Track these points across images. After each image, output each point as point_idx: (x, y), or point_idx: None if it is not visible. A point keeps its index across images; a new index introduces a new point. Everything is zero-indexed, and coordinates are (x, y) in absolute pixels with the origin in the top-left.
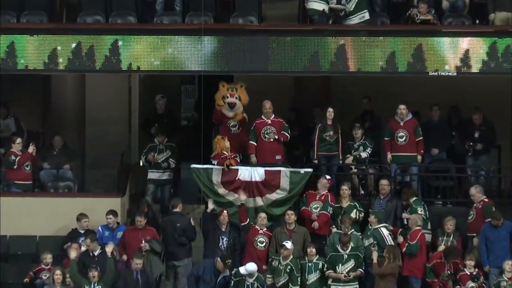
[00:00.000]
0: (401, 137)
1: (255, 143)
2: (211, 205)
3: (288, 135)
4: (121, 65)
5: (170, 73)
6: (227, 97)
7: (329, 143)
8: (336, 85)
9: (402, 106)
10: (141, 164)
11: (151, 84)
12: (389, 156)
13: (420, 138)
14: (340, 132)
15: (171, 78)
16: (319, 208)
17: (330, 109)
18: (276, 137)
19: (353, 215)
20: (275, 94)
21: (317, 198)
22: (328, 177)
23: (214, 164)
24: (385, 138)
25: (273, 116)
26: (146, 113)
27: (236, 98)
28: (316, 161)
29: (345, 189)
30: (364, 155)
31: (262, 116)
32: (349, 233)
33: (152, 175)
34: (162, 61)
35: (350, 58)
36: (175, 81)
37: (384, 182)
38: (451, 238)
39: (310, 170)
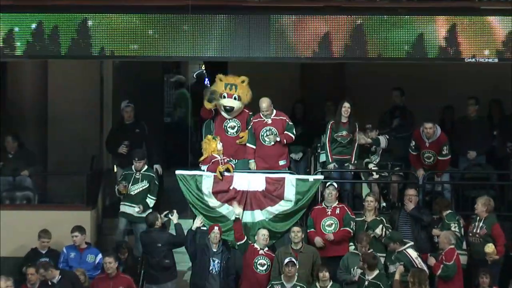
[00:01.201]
0: (429, 157)
1: (253, 146)
2: (198, 222)
3: (293, 136)
4: (92, 50)
5: (151, 59)
6: (224, 96)
7: (341, 145)
8: (351, 75)
9: (428, 125)
10: (118, 178)
11: (128, 73)
12: (421, 172)
13: (446, 158)
14: (357, 131)
15: (152, 66)
16: (334, 225)
17: (346, 104)
18: (278, 139)
19: (378, 231)
20: (278, 86)
21: (329, 213)
22: (335, 184)
23: (203, 170)
24: (412, 153)
25: (274, 113)
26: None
27: (235, 99)
28: (332, 165)
29: (370, 200)
30: (382, 142)
31: (261, 114)
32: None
33: (125, 208)
34: (141, 45)
35: (368, 42)
36: (156, 69)
37: (411, 191)
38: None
39: (320, 177)
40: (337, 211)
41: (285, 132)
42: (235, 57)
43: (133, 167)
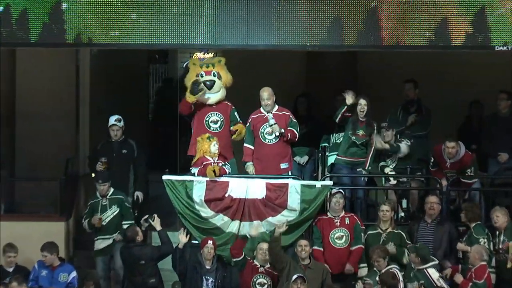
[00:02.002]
0: (451, 178)
1: (251, 147)
2: (184, 237)
3: (297, 133)
4: (66, 37)
5: (134, 47)
6: (201, 75)
7: (355, 146)
8: (364, 65)
9: (450, 144)
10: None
11: (108, 63)
12: (444, 182)
13: (470, 181)
14: (375, 131)
15: (136, 56)
16: (345, 238)
17: (362, 101)
18: (282, 131)
19: (390, 246)
20: (280, 78)
21: (338, 224)
22: (342, 191)
23: (194, 174)
24: (431, 169)
25: (276, 108)
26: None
27: (214, 75)
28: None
29: (386, 210)
30: (403, 148)
31: (261, 109)
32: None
33: (100, 243)
34: (123, 32)
35: (384, 27)
36: (141, 59)
37: (432, 199)
38: None
39: (329, 183)
40: (347, 221)
41: (289, 128)
42: (231, 45)
43: (97, 193)
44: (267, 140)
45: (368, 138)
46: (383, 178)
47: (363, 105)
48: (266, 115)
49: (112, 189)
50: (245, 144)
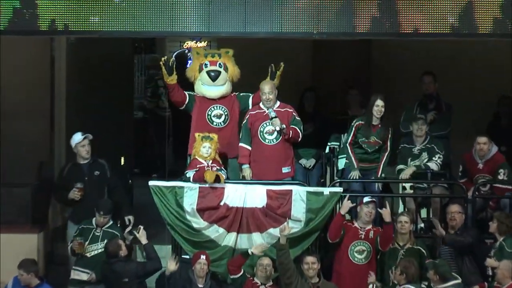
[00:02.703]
0: (484, 185)
1: (248, 147)
2: (173, 265)
3: (300, 133)
4: (39, 24)
5: (117, 35)
6: (206, 65)
7: (365, 153)
8: (378, 55)
9: (482, 140)
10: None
11: (87, 54)
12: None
13: (504, 186)
14: (390, 136)
15: (119, 45)
16: (366, 253)
17: (380, 102)
18: (284, 126)
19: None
20: (283, 69)
21: (362, 236)
22: (370, 199)
23: (188, 180)
24: (460, 180)
25: (278, 104)
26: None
27: (219, 66)
28: (357, 173)
29: (404, 221)
30: (432, 166)
31: (261, 104)
32: None
33: (75, 274)
34: (104, 18)
35: (401, 13)
36: (124, 48)
37: (454, 208)
38: None
39: (339, 189)
40: (371, 234)
41: (291, 126)
42: (227, 33)
43: (93, 220)
44: (267, 141)
45: (381, 144)
46: (401, 184)
47: (380, 107)
48: (267, 111)
49: (111, 222)
50: (240, 144)
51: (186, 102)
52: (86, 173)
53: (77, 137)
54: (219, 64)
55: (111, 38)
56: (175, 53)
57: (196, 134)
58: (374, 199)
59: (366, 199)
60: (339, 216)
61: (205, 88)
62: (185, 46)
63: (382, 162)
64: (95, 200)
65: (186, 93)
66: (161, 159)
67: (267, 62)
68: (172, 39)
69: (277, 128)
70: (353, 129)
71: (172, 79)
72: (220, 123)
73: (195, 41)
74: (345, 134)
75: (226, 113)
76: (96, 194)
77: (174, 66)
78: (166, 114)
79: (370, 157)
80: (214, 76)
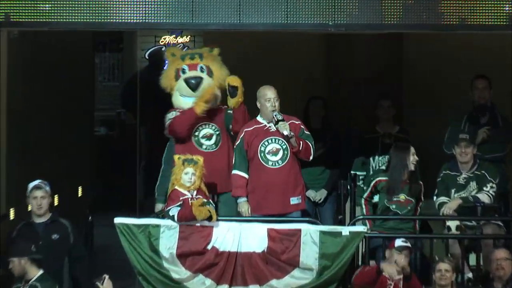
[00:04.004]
0: None
1: (245, 175)
2: None
3: (312, 149)
4: None
5: (73, 28)
6: (183, 71)
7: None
8: (413, 54)
9: None
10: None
11: (34, 51)
12: None
13: None
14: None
15: (77, 40)
16: None
17: (413, 150)
18: (292, 134)
19: None
20: (286, 74)
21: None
22: (404, 243)
23: (167, 217)
24: None
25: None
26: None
27: (201, 70)
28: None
29: (445, 269)
30: (483, 198)
31: (258, 118)
32: None
33: None
34: (56, 5)
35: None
36: (83, 45)
37: (500, 254)
38: None
39: (362, 228)
40: (400, 285)
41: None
42: (217, 25)
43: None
44: (270, 163)
45: (413, 203)
46: (443, 222)
47: (414, 154)
48: (267, 125)
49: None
50: (234, 171)
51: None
52: (41, 236)
53: (30, 185)
54: (201, 67)
55: (65, 31)
56: (148, 51)
57: (176, 157)
58: (408, 245)
59: (398, 242)
60: (372, 272)
61: (185, 100)
62: (161, 42)
63: (417, 223)
64: (51, 271)
65: (172, 112)
66: (130, 190)
67: (269, 62)
68: (144, 33)
69: (285, 133)
70: (371, 185)
71: (202, 106)
72: (211, 146)
73: (174, 36)
74: (376, 157)
75: (217, 132)
76: (53, 265)
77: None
78: (138, 129)
79: (402, 224)
80: (194, 85)
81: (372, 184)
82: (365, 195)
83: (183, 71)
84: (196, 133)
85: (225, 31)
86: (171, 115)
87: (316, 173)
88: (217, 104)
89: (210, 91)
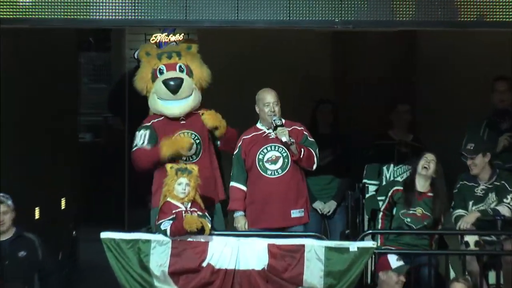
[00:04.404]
0: None
1: (242, 187)
2: None
3: (316, 157)
4: None
5: (56, 26)
6: (161, 71)
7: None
8: (427, 54)
9: None
10: None
11: (13, 50)
12: None
13: None
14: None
15: (58, 39)
16: None
17: (429, 155)
18: (293, 141)
19: None
20: (289, 76)
21: None
22: (400, 261)
23: (159, 231)
24: None
25: (282, 121)
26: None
27: (180, 70)
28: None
29: None
30: (503, 211)
31: (258, 124)
32: None
33: None
34: (37, 2)
35: None
36: (66, 44)
37: None
38: None
39: (371, 244)
40: None
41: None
42: (212, 22)
43: None
44: (269, 172)
45: (430, 219)
46: (459, 236)
47: (429, 161)
48: (267, 132)
49: None
50: (232, 183)
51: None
52: (6, 254)
53: None
54: (179, 67)
55: (47, 29)
56: (137, 51)
57: (168, 166)
58: (403, 262)
59: (394, 262)
60: None
61: (164, 104)
62: (152, 40)
63: (434, 239)
64: None
65: (146, 138)
66: (118, 201)
67: (268, 62)
68: (133, 31)
69: (284, 139)
70: (387, 199)
71: (183, 150)
72: (191, 157)
73: (166, 33)
74: (391, 166)
75: (198, 140)
76: (22, 284)
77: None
78: (127, 135)
79: (418, 240)
80: (174, 87)
81: (389, 194)
82: (383, 207)
83: (161, 72)
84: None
85: (222, 29)
86: (139, 137)
87: (324, 183)
88: (197, 107)
89: (185, 144)
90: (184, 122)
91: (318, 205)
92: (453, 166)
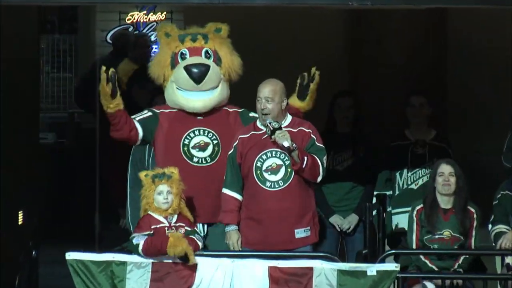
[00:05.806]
0: None
1: (237, 196)
2: None
3: (321, 167)
4: None
5: (14, 3)
6: (183, 56)
7: (439, 258)
8: (459, 35)
9: None
10: None
11: None
12: None
13: None
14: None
15: (17, 20)
16: None
17: (445, 167)
18: (295, 145)
19: None
20: (299, 62)
21: None
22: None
23: (130, 246)
24: None
25: (289, 120)
26: None
27: (207, 56)
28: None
29: None
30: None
31: (257, 123)
32: None
33: None
34: None
35: None
36: (25, 26)
37: None
38: None
39: (393, 266)
40: None
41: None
42: None
43: None
44: (268, 184)
45: (462, 241)
46: (500, 258)
47: (447, 176)
48: (265, 129)
49: None
50: (224, 190)
51: (141, 135)
52: None
53: None
54: (206, 52)
55: (1, 6)
56: (110, 33)
57: (143, 174)
58: None
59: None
60: None
61: (184, 95)
62: (127, 20)
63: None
64: None
65: (142, 116)
66: (87, 215)
67: (274, 50)
68: (105, 9)
69: (285, 145)
70: (415, 221)
71: (117, 104)
72: (205, 158)
73: (144, 12)
74: (405, 171)
75: (215, 141)
76: None
77: (116, 80)
78: (98, 136)
79: (442, 263)
80: (198, 74)
81: (414, 215)
82: (414, 235)
83: (182, 57)
84: (186, 141)
85: (213, 6)
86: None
87: (343, 192)
88: (223, 103)
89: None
90: (201, 118)
91: (336, 219)
92: (488, 172)
